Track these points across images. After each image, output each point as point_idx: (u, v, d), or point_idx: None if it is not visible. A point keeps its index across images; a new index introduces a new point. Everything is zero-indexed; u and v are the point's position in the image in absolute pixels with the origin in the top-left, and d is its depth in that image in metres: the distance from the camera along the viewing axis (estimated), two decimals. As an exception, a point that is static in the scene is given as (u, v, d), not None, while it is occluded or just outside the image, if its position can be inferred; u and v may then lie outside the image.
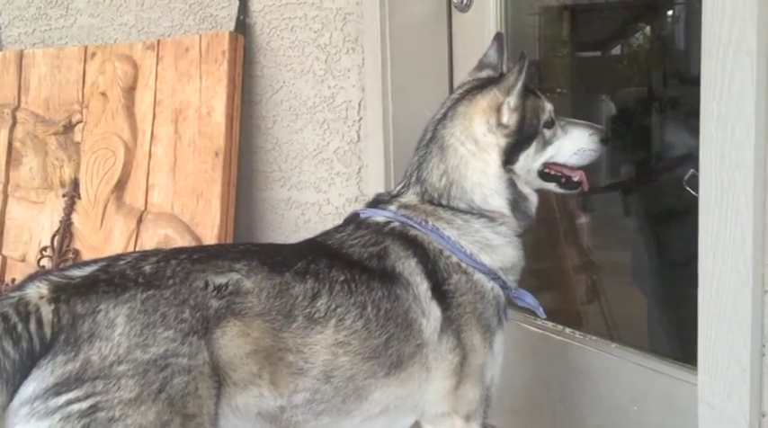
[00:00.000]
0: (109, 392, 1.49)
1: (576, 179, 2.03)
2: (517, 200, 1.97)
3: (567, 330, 2.56)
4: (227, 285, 1.67)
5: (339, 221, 3.12)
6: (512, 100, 1.90)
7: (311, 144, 3.19)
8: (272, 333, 1.68)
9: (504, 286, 1.94)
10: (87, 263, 1.71)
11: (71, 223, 3.36)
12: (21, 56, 3.62)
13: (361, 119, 3.03)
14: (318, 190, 3.20)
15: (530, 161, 1.97)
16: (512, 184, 1.96)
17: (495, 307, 1.91)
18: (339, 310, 1.75)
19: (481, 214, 1.94)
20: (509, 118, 1.92)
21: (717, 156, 1.63)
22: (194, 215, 3.15)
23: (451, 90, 2.97)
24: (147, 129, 3.30)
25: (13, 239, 3.50)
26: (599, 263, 3.44)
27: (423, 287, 1.85)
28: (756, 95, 1.54)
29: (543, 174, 2.02)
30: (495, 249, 1.93)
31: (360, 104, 3.01)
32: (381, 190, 2.87)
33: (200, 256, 1.74)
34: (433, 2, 2.90)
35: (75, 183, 3.38)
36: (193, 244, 3.09)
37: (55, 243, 3.34)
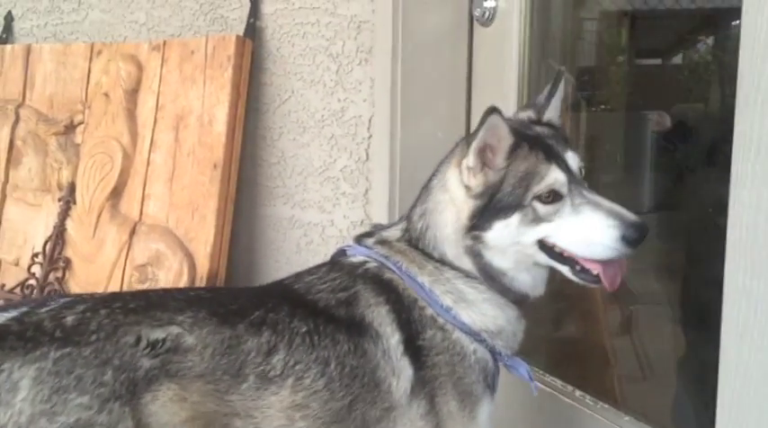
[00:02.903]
0: None
1: (594, 272, 1.61)
2: (487, 271, 1.68)
3: (578, 393, 2.27)
4: (164, 341, 1.47)
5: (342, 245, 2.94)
6: (469, 160, 1.63)
7: (317, 160, 2.95)
8: (216, 396, 1.49)
9: (492, 350, 1.68)
10: (7, 308, 1.53)
11: (65, 229, 3.20)
12: (28, 50, 3.48)
13: (370, 136, 2.78)
14: (323, 210, 2.97)
15: (513, 233, 1.63)
16: (473, 254, 1.67)
17: (479, 372, 1.65)
18: (298, 367, 1.54)
19: (452, 266, 1.70)
20: (469, 179, 1.65)
21: (748, 231, 1.32)
22: (188, 230, 2.95)
23: (469, 111, 2.72)
24: (147, 135, 3.11)
25: (8, 242, 3.37)
26: (637, 292, 3.12)
27: (393, 340, 1.62)
28: (802, 162, 1.23)
29: (549, 250, 1.64)
30: (470, 305, 1.67)
31: (370, 121, 2.77)
32: (384, 217, 2.65)
33: (137, 306, 1.54)
34: (453, 14, 2.63)
35: (72, 188, 3.22)
36: (185, 261, 2.90)
37: (47, 249, 3.18)
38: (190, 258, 2.91)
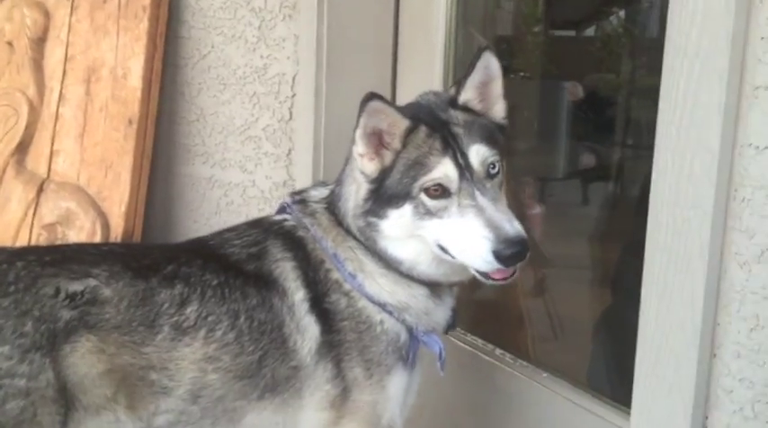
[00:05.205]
0: None
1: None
2: (380, 256, 1.63)
3: (498, 351, 2.32)
4: (82, 293, 1.47)
5: (264, 206, 2.88)
6: (358, 147, 1.58)
7: (239, 118, 2.87)
8: (133, 348, 1.49)
9: (404, 323, 1.66)
10: None
11: (-35, 186, 3.00)
12: None
13: (294, 95, 2.72)
14: (244, 169, 2.90)
15: (409, 226, 1.55)
16: (366, 237, 1.63)
17: (387, 343, 1.64)
18: (210, 319, 1.55)
19: (356, 238, 1.67)
20: (363, 164, 1.59)
21: (670, 191, 1.37)
22: (102, 188, 2.83)
23: (395, 70, 2.69)
24: (55, 88, 2.94)
25: None
26: (550, 256, 3.20)
27: (297, 296, 1.62)
28: (723, 124, 1.27)
29: (445, 249, 1.56)
30: (367, 276, 1.65)
31: (294, 79, 2.71)
32: (308, 178, 2.61)
33: (54, 258, 1.52)
34: (380, -33, 2.57)
35: (-27, 142, 3.02)
36: (98, 220, 2.78)
37: (-55, 207, 2.98)
38: (103, 217, 2.79)
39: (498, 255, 1.42)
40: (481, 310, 2.97)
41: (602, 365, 2.59)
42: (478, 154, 1.53)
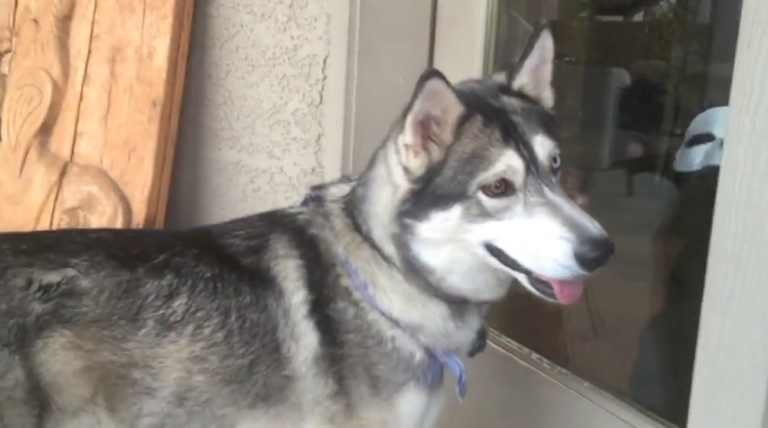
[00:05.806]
0: None
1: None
2: (412, 264, 1.42)
3: (534, 356, 2.16)
4: (57, 284, 1.36)
5: (292, 193, 2.76)
6: (406, 136, 1.35)
7: (267, 101, 2.75)
8: (113, 344, 1.38)
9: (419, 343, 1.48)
10: None
11: (-12, 167, 2.94)
12: (-52, -32, 3.15)
13: (325, 78, 2.58)
14: (271, 155, 2.77)
15: (453, 229, 1.33)
16: (399, 244, 1.42)
17: (397, 361, 1.44)
18: (199, 314, 1.41)
19: (375, 246, 1.47)
20: (407, 159, 1.37)
21: (741, 191, 1.19)
22: (124, 172, 2.74)
23: (431, 54, 2.53)
24: (80, 67, 2.86)
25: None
26: None
27: (296, 298, 1.45)
28: (809, 114, 1.10)
29: (499, 254, 1.34)
30: (380, 290, 1.46)
31: (325, 61, 2.56)
32: (337, 165, 2.48)
33: (30, 247, 1.41)
34: (418, -56, 2.42)
35: (-3, 122, 2.95)
36: (120, 205, 2.69)
37: (-32, 189, 2.93)
38: (125, 202, 2.71)
39: (581, 258, 1.21)
40: (516, 307, 2.82)
41: (646, 373, 2.42)
42: (543, 145, 1.34)
